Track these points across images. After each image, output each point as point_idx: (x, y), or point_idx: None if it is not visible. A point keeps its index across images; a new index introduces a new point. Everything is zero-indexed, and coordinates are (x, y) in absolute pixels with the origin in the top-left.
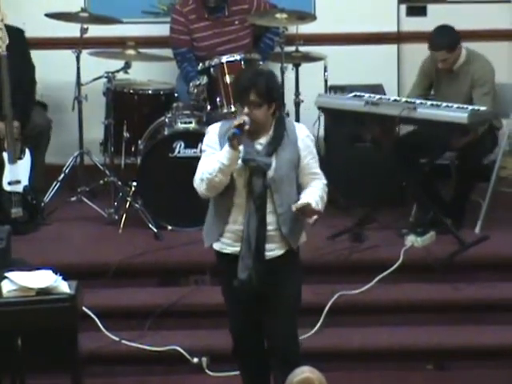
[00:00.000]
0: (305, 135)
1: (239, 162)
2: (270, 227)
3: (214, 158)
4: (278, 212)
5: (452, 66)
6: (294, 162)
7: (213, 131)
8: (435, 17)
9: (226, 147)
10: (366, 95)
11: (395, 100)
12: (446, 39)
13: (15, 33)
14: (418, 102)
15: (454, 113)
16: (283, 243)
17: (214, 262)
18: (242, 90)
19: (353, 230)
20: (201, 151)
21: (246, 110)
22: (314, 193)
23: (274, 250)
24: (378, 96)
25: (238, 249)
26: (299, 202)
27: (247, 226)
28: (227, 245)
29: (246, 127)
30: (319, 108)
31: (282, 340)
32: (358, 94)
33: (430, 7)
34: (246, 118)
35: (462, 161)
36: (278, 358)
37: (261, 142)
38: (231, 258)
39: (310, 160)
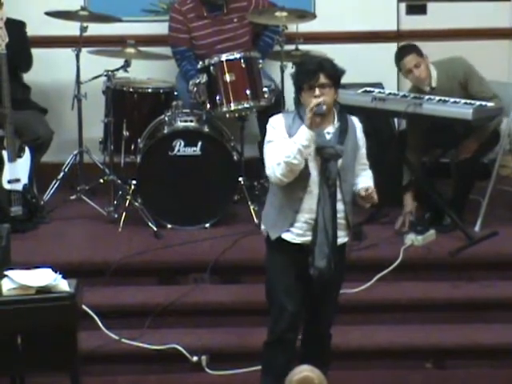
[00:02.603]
0: (360, 126)
1: (312, 149)
2: (338, 215)
3: (288, 142)
4: (346, 200)
5: (428, 77)
6: (356, 152)
7: (279, 123)
8: (435, 15)
9: (303, 128)
10: (376, 90)
11: (404, 96)
12: (410, 46)
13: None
14: (425, 97)
15: (459, 109)
16: (347, 231)
17: (266, 252)
18: (312, 72)
19: (364, 224)
20: (201, 150)
21: (317, 91)
22: (370, 181)
23: (341, 237)
24: (387, 91)
25: (308, 238)
26: (367, 186)
27: (322, 214)
28: (297, 235)
29: (324, 107)
30: None
31: (327, 328)
32: (368, 89)
33: (430, 5)
34: (322, 99)
35: (463, 159)
36: (319, 345)
37: (328, 131)
38: (299, 248)
39: (364, 150)
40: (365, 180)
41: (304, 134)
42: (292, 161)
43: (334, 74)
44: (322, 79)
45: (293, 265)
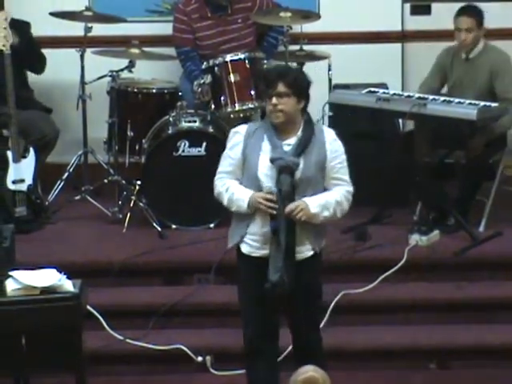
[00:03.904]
0: (333, 139)
1: (267, 162)
2: (298, 228)
3: (236, 190)
4: None
5: (470, 46)
6: (321, 165)
7: (240, 132)
8: (439, 15)
9: (244, 205)
10: (381, 91)
11: (408, 96)
12: (475, 11)
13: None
14: (430, 98)
15: (463, 109)
16: (311, 245)
17: (236, 263)
18: (271, 81)
19: (368, 224)
20: (205, 150)
21: (273, 100)
22: (327, 195)
23: (302, 252)
24: (391, 92)
25: (267, 251)
26: (294, 203)
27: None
28: (256, 248)
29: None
30: (331, 104)
31: (310, 337)
32: (373, 89)
33: (435, 6)
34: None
35: (471, 160)
36: (305, 354)
37: (289, 143)
38: (260, 261)
39: (337, 164)
40: (320, 195)
41: (245, 207)
42: (230, 208)
43: (295, 83)
44: (281, 88)
45: (258, 277)
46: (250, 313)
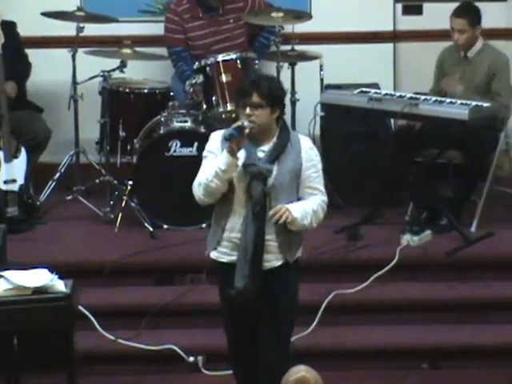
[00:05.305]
0: (309, 147)
1: (240, 167)
2: (268, 236)
3: (212, 163)
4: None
5: (466, 46)
6: (296, 172)
7: (215, 137)
8: (431, 15)
9: (224, 152)
10: (372, 91)
11: (400, 96)
12: (469, 11)
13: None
14: (422, 98)
15: (455, 109)
16: (281, 254)
17: (213, 268)
18: (245, 91)
19: (360, 225)
20: (197, 150)
21: (247, 110)
22: (305, 203)
23: (271, 261)
24: (383, 92)
25: (235, 258)
26: (276, 208)
27: (244, 234)
28: (224, 254)
29: (246, 131)
30: (323, 104)
31: (269, 351)
32: (364, 90)
33: (426, 6)
34: (245, 122)
35: (468, 161)
36: (262, 367)
37: (263, 150)
38: (228, 267)
39: (313, 173)
40: (299, 203)
41: (223, 158)
42: (210, 184)
43: (269, 94)
44: (255, 98)
45: (227, 283)
46: (226, 318)
